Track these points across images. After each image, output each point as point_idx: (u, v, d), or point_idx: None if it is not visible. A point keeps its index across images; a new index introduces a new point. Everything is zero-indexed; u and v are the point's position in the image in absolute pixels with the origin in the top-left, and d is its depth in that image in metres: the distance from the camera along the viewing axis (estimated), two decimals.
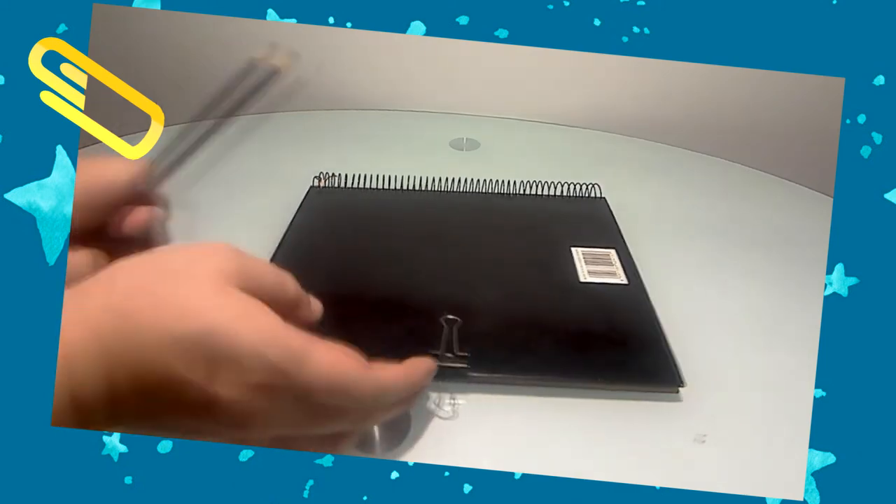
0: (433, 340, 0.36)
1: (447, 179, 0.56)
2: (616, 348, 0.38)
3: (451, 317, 0.38)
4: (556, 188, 0.56)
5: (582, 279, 0.43)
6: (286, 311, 0.25)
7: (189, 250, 0.24)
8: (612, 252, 0.47)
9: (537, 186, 0.56)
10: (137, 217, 0.28)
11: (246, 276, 0.24)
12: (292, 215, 0.51)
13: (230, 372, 0.21)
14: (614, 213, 0.53)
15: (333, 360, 0.23)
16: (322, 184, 0.57)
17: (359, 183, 0.57)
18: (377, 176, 0.56)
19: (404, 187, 0.56)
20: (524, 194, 0.56)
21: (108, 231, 0.28)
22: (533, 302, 0.42)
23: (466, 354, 0.35)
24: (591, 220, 0.53)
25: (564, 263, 0.45)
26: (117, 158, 0.28)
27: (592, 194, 0.56)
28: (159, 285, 0.22)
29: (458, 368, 0.35)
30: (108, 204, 0.28)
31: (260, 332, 0.22)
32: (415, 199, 0.55)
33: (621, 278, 0.43)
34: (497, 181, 0.56)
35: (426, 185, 0.56)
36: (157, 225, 0.29)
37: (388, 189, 0.56)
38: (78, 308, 0.22)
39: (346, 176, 0.57)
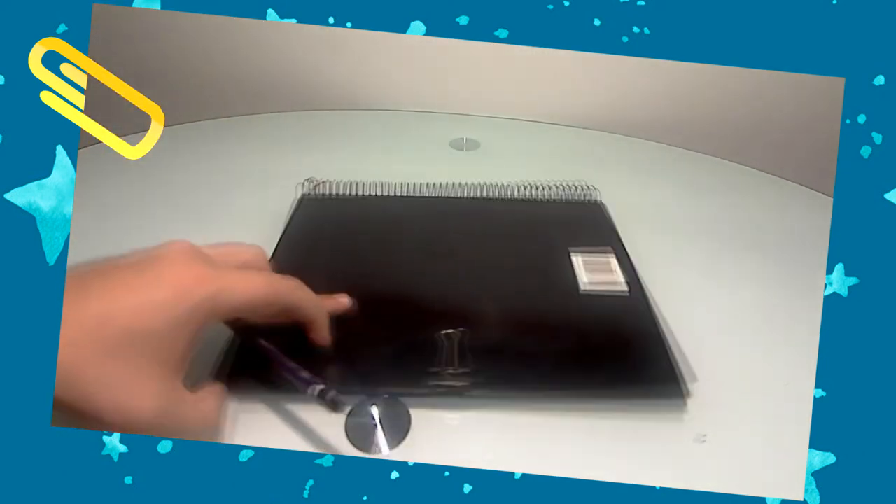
0: (432, 354, 0.35)
1: (442, 184, 0.55)
2: (620, 361, 0.37)
3: (451, 331, 0.37)
4: (552, 191, 0.56)
5: (582, 287, 0.43)
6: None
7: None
8: (612, 258, 0.46)
9: (534, 189, 0.56)
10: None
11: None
12: (286, 219, 0.50)
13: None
14: (614, 213, 0.53)
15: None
16: (309, 191, 0.54)
17: (347, 190, 0.54)
18: (363, 183, 0.54)
19: (398, 193, 0.55)
20: (521, 199, 0.55)
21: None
22: (533, 313, 0.41)
23: (467, 371, 0.34)
24: (590, 224, 0.52)
25: (564, 270, 0.45)
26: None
27: (589, 198, 0.56)
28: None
29: (459, 387, 0.34)
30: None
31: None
32: (410, 205, 0.54)
33: (622, 286, 0.43)
34: (492, 185, 0.55)
35: (420, 191, 0.55)
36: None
37: (380, 196, 0.54)
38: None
39: (334, 183, 0.54)
